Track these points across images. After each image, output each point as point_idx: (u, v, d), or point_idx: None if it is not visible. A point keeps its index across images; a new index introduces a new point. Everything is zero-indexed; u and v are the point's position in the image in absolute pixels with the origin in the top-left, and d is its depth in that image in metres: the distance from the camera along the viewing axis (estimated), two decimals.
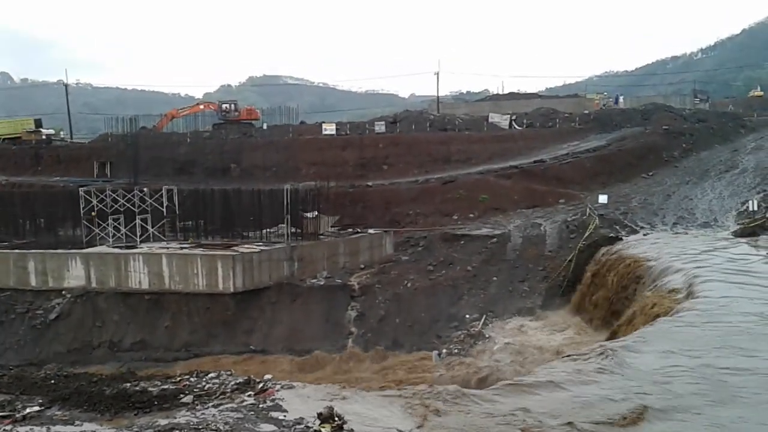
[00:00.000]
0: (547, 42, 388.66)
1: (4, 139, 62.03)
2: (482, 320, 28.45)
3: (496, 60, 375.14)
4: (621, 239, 30.49)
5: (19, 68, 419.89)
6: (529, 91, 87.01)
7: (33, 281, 32.29)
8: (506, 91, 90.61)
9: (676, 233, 31.48)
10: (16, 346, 29.99)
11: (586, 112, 61.26)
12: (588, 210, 35.87)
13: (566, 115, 58.91)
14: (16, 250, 33.73)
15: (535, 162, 46.87)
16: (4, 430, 9.20)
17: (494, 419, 10.95)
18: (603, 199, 37.86)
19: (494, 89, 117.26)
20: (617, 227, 33.01)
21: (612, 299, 25.32)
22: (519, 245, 34.20)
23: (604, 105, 69.63)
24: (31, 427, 9.52)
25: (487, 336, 26.60)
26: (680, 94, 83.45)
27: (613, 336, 20.34)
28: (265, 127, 62.29)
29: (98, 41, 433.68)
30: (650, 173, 46.07)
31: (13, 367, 14.77)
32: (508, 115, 58.73)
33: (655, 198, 39.78)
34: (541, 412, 11.05)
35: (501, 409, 11.50)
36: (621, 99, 74.12)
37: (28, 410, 10.40)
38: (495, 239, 34.85)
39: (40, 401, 10.97)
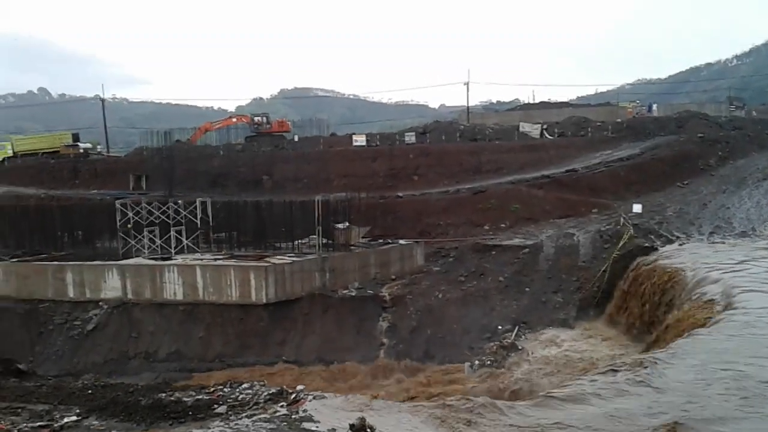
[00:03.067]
0: (578, 51, 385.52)
1: (43, 153, 63.63)
2: (515, 331, 28.20)
3: (526, 69, 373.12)
4: (656, 249, 29.98)
5: (57, 83, 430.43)
6: (560, 100, 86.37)
7: (71, 293, 32.97)
8: (537, 101, 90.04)
9: (713, 243, 30.84)
10: (54, 356, 30.60)
11: (619, 120, 60.52)
12: (622, 219, 35.38)
13: (598, 123, 58.29)
14: (55, 262, 34.51)
15: (567, 171, 46.41)
16: None
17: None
18: (637, 208, 37.30)
19: (525, 98, 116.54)
20: (652, 237, 32.49)
21: (647, 310, 24.90)
22: (552, 255, 33.86)
23: (637, 113, 68.72)
24: None
25: (520, 348, 26.34)
26: (715, 101, 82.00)
27: (648, 348, 20.01)
28: (296, 139, 62.91)
29: (134, 57, 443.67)
30: (685, 182, 45.27)
31: (51, 378, 15.13)
32: (539, 125, 58.35)
33: (691, 207, 39.08)
34: (575, 425, 10.92)
35: (534, 422, 11.40)
36: (654, 107, 73.04)
37: (65, 420, 10.61)
38: (527, 249, 34.57)
39: (78, 411, 11.17)
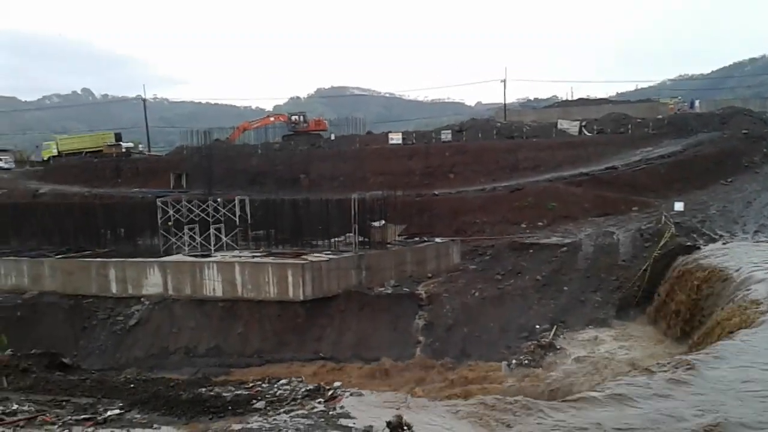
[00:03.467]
0: (617, 47, 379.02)
1: (86, 152, 65.19)
2: (553, 331, 27.92)
3: (564, 66, 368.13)
4: (699, 248, 29.34)
5: (100, 84, 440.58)
6: (599, 97, 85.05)
7: (114, 289, 33.74)
8: (575, 97, 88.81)
9: (758, 242, 30.06)
10: (97, 351, 31.38)
11: (660, 117, 59.31)
12: (663, 218, 34.71)
13: (639, 120, 57.23)
14: (98, 259, 35.34)
15: (606, 169, 45.76)
16: (86, 431, 9.61)
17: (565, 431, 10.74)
18: (679, 206, 36.58)
19: (563, 95, 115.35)
20: (694, 236, 31.82)
21: (690, 310, 24.40)
22: (590, 254, 33.42)
23: (678, 110, 67.29)
24: (112, 429, 9.89)
25: (558, 347, 26.08)
26: (760, 96, 79.74)
27: (690, 348, 19.62)
28: (332, 137, 63.23)
29: (174, 57, 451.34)
30: (729, 179, 44.22)
31: (95, 371, 15.52)
32: (578, 122, 57.59)
33: (735, 205, 38.17)
34: (614, 426, 10.77)
35: (572, 422, 11.27)
36: (697, 103, 71.40)
37: (109, 413, 10.80)
38: (565, 248, 34.18)
39: (121, 404, 11.37)
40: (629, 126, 55.65)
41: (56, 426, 9.81)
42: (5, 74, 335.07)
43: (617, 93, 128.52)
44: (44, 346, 22.43)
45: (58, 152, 66.10)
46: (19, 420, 9.87)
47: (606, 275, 31.54)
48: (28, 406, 10.72)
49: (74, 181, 55.44)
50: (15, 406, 10.58)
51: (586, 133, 55.99)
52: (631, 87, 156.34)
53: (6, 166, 66.91)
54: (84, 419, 10.36)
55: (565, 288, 31.42)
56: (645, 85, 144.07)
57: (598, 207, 41.13)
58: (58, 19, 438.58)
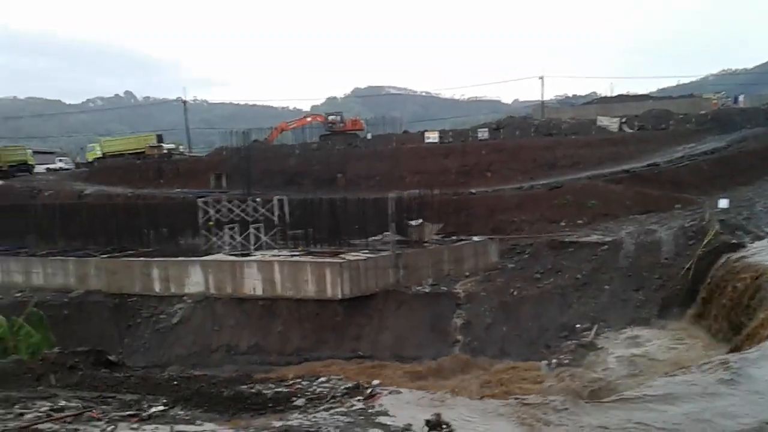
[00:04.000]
0: (658, 41, 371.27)
1: (129, 154, 66.64)
2: (594, 330, 27.52)
3: (603, 62, 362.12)
4: (744, 246, 28.56)
5: (142, 87, 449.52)
6: (639, 93, 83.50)
7: (157, 287, 34.42)
8: (615, 94, 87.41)
9: None
10: (142, 348, 32.06)
11: (703, 112, 58.02)
12: (707, 215, 33.91)
13: (681, 116, 56.09)
14: (142, 258, 36.11)
15: (647, 165, 44.92)
16: (131, 428, 9.80)
17: None
18: (723, 203, 35.68)
19: (602, 92, 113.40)
20: (740, 233, 30.97)
21: (735, 309, 23.76)
22: (632, 252, 32.82)
23: (722, 105, 65.69)
24: (156, 425, 10.06)
25: (599, 346, 25.66)
26: None
27: (736, 348, 19.11)
28: (369, 137, 63.45)
29: (213, 60, 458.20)
30: None
31: (139, 369, 15.90)
32: (618, 118, 56.67)
33: None
34: (658, 427, 10.58)
35: (614, 422, 11.10)
36: (741, 98, 69.59)
37: (153, 409, 10.98)
38: (606, 246, 33.65)
39: (164, 401, 11.55)
40: (671, 122, 54.59)
41: (102, 422, 10.03)
42: (51, 77, 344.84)
43: (658, 89, 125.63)
44: (90, 343, 22.99)
45: (102, 154, 67.69)
46: (67, 416, 10.13)
47: (648, 274, 30.94)
48: (75, 403, 10.99)
49: (118, 182, 56.64)
50: (63, 403, 10.86)
51: (626, 129, 55.09)
52: (673, 82, 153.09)
53: (66, 166, 69.14)
54: (129, 415, 10.57)
55: (606, 287, 30.94)
56: (687, 80, 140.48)
57: (640, 204, 40.39)
58: (100, 23, 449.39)
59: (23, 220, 44.64)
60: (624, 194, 41.49)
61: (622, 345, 25.61)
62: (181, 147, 76.43)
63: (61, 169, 68.41)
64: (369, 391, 12.31)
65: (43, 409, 10.43)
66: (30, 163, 64.79)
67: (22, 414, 10.18)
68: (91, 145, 74.16)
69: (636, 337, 26.40)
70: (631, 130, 54.61)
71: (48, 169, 69.58)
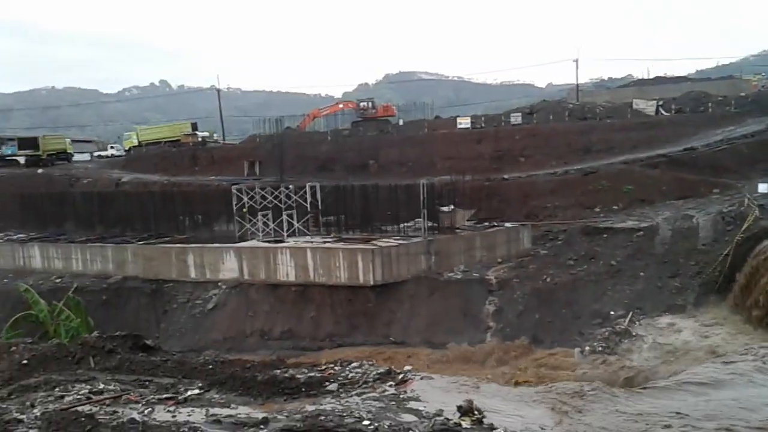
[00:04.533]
0: (696, 21, 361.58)
1: (165, 142, 67.51)
2: (628, 317, 27.18)
3: (640, 43, 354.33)
4: None
5: (176, 76, 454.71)
6: (677, 75, 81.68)
7: (192, 273, 34.95)
8: (652, 76, 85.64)
9: None
10: (178, 333, 32.66)
11: (743, 94, 56.48)
12: (746, 200, 33.10)
13: (720, 98, 54.71)
14: (178, 245, 36.68)
15: (685, 150, 43.90)
16: (168, 410, 9.97)
17: (643, 420, 10.48)
18: (763, 188, 34.77)
19: (638, 74, 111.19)
20: None
21: None
22: (668, 239, 32.27)
23: (762, 86, 63.84)
24: (192, 408, 10.24)
25: (634, 334, 25.38)
26: None
27: None
28: (401, 123, 63.21)
29: (247, 49, 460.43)
30: None
31: (175, 353, 16.18)
32: (654, 101, 55.55)
33: None
34: (695, 414, 10.44)
35: (649, 410, 11.00)
36: None
37: (189, 393, 11.16)
38: (641, 232, 33.13)
39: (200, 385, 11.72)
40: (709, 104, 53.35)
41: (140, 404, 10.27)
42: (88, 68, 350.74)
43: (697, 70, 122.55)
44: (128, 328, 23.52)
45: (139, 142, 68.69)
46: (106, 399, 10.37)
47: (685, 260, 30.42)
48: (114, 386, 11.24)
49: (154, 170, 57.42)
50: (101, 386, 11.12)
51: (663, 112, 53.97)
52: (712, 64, 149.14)
53: (117, 153, 70.56)
54: (166, 398, 10.78)
55: (642, 273, 30.49)
56: (726, 61, 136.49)
57: (677, 189, 39.61)
58: (136, 14, 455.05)
59: (62, 207, 45.72)
60: (660, 179, 40.72)
61: (657, 332, 25.29)
62: (215, 135, 77.12)
63: (113, 156, 70.04)
64: (401, 376, 12.35)
65: (82, 391, 10.70)
66: (69, 151, 66.10)
67: (62, 396, 10.47)
68: (127, 133, 75.39)
69: (672, 324, 26.04)
70: (668, 113, 53.47)
71: (100, 156, 71.30)
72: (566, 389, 12.44)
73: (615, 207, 39.10)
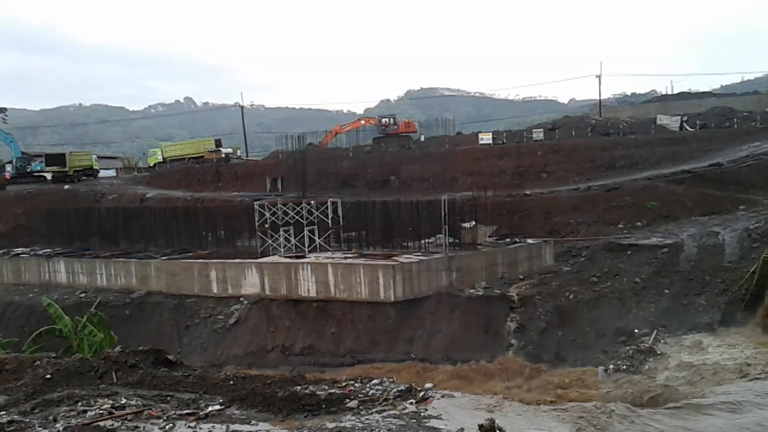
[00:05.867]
0: (720, 36, 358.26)
1: (188, 158, 68.27)
2: (653, 335, 26.77)
3: (663, 59, 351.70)
4: None
5: (201, 93, 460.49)
6: (701, 90, 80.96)
7: (215, 289, 35.14)
8: (676, 91, 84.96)
9: None
10: (200, 348, 32.81)
11: None
12: None
13: (745, 114, 54.07)
14: (200, 260, 36.95)
15: (710, 165, 43.42)
16: (189, 426, 9.99)
17: None
18: None
19: (662, 89, 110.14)
20: None
21: None
22: (693, 255, 31.83)
23: None
24: (213, 424, 10.26)
25: (659, 352, 24.97)
26: None
27: None
28: (422, 139, 63.30)
29: (270, 66, 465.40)
30: None
31: (197, 368, 16.22)
32: (679, 117, 55.01)
33: None
34: None
35: (674, 430, 10.80)
36: None
37: (210, 408, 11.17)
38: (666, 249, 32.72)
39: (221, 400, 11.73)
40: (735, 120, 52.68)
41: (161, 420, 10.31)
42: (115, 85, 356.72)
43: (721, 86, 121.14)
44: (151, 342, 23.73)
45: (163, 158, 69.47)
46: (127, 414, 10.44)
47: (711, 277, 29.95)
48: (136, 401, 11.30)
49: (178, 186, 58.09)
50: (123, 401, 11.19)
51: (687, 128, 53.45)
52: (737, 79, 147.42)
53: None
54: (187, 414, 10.80)
55: (666, 291, 30.08)
56: (752, 76, 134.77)
57: (702, 206, 39.16)
58: (161, 32, 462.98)
59: (88, 222, 46.34)
60: (685, 195, 40.29)
61: (682, 351, 24.85)
62: (238, 151, 77.75)
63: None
64: (422, 394, 12.27)
65: (104, 406, 10.78)
66: (95, 167, 67.08)
67: (85, 411, 10.55)
68: (152, 149, 76.32)
69: (698, 343, 25.57)
70: (693, 129, 52.95)
71: (140, 169, 72.27)
72: (590, 408, 12.25)
73: (639, 223, 38.73)
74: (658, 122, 55.00)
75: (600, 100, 78.48)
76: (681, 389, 20.65)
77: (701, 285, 29.76)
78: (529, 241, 36.62)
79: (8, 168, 63.17)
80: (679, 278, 30.62)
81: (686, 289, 29.82)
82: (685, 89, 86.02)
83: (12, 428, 9.31)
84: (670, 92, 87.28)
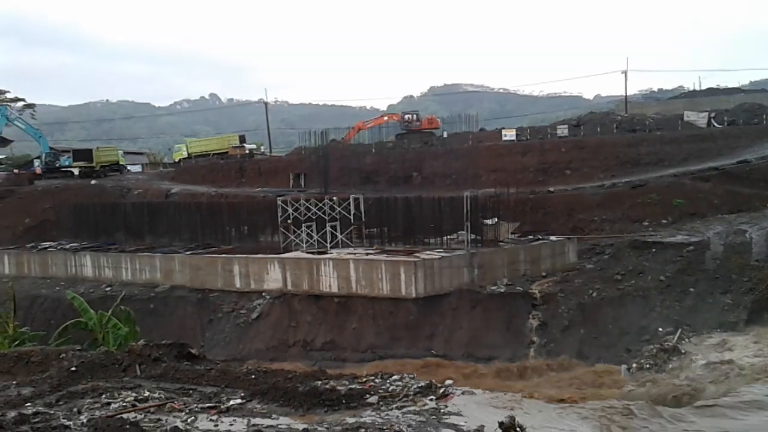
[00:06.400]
0: (750, 31, 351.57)
1: (213, 154, 68.87)
2: (677, 334, 26.44)
3: (691, 54, 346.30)
4: None
5: (225, 90, 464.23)
6: (729, 86, 79.68)
7: (237, 283, 35.43)
8: (703, 87, 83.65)
9: None
10: (222, 342, 33.12)
11: None
12: None
13: None
14: (224, 255, 37.27)
15: (738, 162, 42.74)
16: (210, 419, 10.07)
17: None
18: None
19: (689, 85, 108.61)
20: None
21: None
22: (720, 254, 31.36)
23: None
24: (234, 418, 10.32)
25: (683, 351, 24.65)
26: None
27: None
28: (445, 135, 63.10)
29: (294, 62, 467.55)
30: None
31: (219, 362, 16.39)
32: (706, 113, 54.22)
33: None
34: None
35: (697, 430, 10.66)
36: None
37: (231, 402, 11.24)
38: (691, 247, 32.28)
39: (242, 394, 11.79)
40: (764, 116, 51.74)
41: (183, 413, 10.41)
42: (141, 82, 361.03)
43: (750, 81, 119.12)
44: (174, 336, 23.97)
45: (188, 154, 70.16)
46: (150, 406, 10.56)
47: (737, 276, 29.50)
48: (159, 394, 11.42)
49: (202, 182, 58.55)
50: (146, 393, 11.32)
51: (715, 125, 52.66)
52: (766, 75, 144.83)
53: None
54: (208, 407, 10.89)
55: (692, 289, 29.69)
56: None
57: (729, 203, 38.56)
58: (186, 29, 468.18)
59: (114, 217, 47.02)
60: (712, 193, 39.70)
61: (707, 350, 24.52)
62: (262, 147, 78.23)
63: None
64: (442, 390, 12.24)
65: (128, 399, 10.91)
66: (121, 163, 67.97)
67: (108, 403, 10.70)
68: (177, 145, 77.14)
69: (723, 342, 25.22)
70: (721, 126, 52.13)
71: (165, 164, 73.64)
72: (612, 407, 12.13)
73: (664, 221, 38.26)
74: (685, 118, 54.27)
75: (626, 96, 77.61)
76: (706, 388, 20.40)
77: (727, 283, 29.34)
78: (552, 238, 36.36)
79: (36, 163, 64.35)
80: (705, 277, 30.21)
81: (712, 288, 29.42)
82: (713, 85, 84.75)
83: (37, 420, 9.46)
84: (697, 88, 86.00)
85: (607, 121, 56.73)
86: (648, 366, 23.99)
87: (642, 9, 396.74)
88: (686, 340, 26.02)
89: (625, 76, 76.05)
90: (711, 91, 74.08)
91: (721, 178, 41.04)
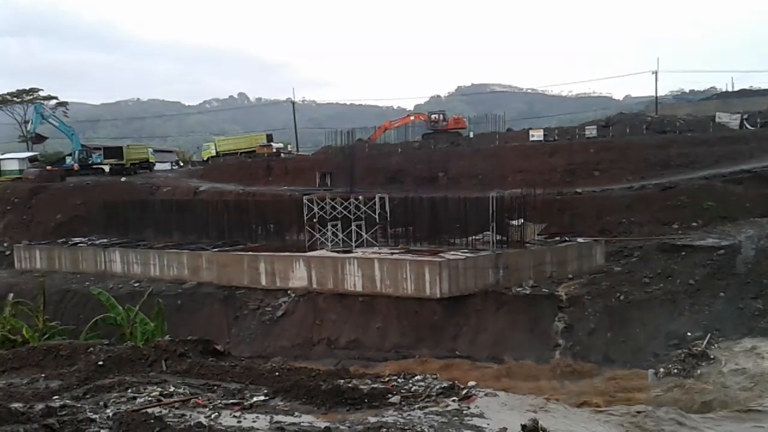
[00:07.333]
0: None
1: (241, 152, 69.45)
2: (706, 339, 25.98)
3: (723, 54, 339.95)
4: None
5: (254, 89, 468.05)
6: (763, 87, 78.10)
7: (263, 281, 35.70)
8: (736, 88, 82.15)
9: None
10: (247, 339, 33.41)
11: None
12: None
13: None
14: (250, 253, 37.56)
15: None
16: (233, 415, 10.16)
17: None
18: None
19: (722, 86, 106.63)
20: None
21: None
22: (751, 258, 30.78)
23: None
24: (257, 414, 10.40)
25: (712, 357, 24.20)
26: None
27: None
28: (472, 135, 62.78)
29: (321, 62, 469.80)
30: None
31: (244, 359, 16.52)
32: (739, 114, 53.19)
33: None
34: None
35: None
36: None
37: (254, 399, 11.33)
38: (722, 251, 31.73)
39: (266, 391, 11.87)
40: None
41: (207, 408, 10.51)
42: (171, 81, 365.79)
43: None
44: (200, 332, 24.23)
45: (217, 153, 70.86)
46: (175, 401, 10.69)
47: None
48: (184, 389, 11.56)
49: (230, 180, 59.03)
50: (172, 389, 11.47)
51: (748, 126, 51.64)
52: None
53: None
54: (232, 403, 10.99)
55: (722, 294, 29.18)
56: None
57: (762, 207, 37.82)
58: (216, 28, 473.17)
59: (143, 214, 47.65)
60: (744, 196, 38.97)
61: (737, 356, 24.05)
62: (289, 146, 78.62)
63: None
64: (465, 391, 12.19)
65: (153, 393, 11.07)
66: (151, 161, 68.87)
67: (134, 397, 10.87)
68: (206, 144, 77.96)
69: (753, 348, 24.70)
70: (754, 127, 51.12)
71: (194, 162, 74.88)
72: (638, 412, 11.96)
73: (694, 224, 37.66)
74: (717, 120, 53.32)
75: (656, 96, 76.69)
76: (735, 395, 20.02)
77: (758, 288, 28.81)
78: (579, 240, 36.01)
79: (69, 160, 65.48)
80: (735, 281, 29.69)
81: (742, 293, 28.91)
82: (746, 86, 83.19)
83: (64, 412, 9.64)
84: (730, 89, 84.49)
85: (636, 122, 55.94)
86: (676, 371, 23.58)
87: (674, 8, 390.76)
88: (715, 345, 25.55)
89: (656, 76, 75.08)
90: (744, 93, 72.80)
91: (754, 180, 40.26)
